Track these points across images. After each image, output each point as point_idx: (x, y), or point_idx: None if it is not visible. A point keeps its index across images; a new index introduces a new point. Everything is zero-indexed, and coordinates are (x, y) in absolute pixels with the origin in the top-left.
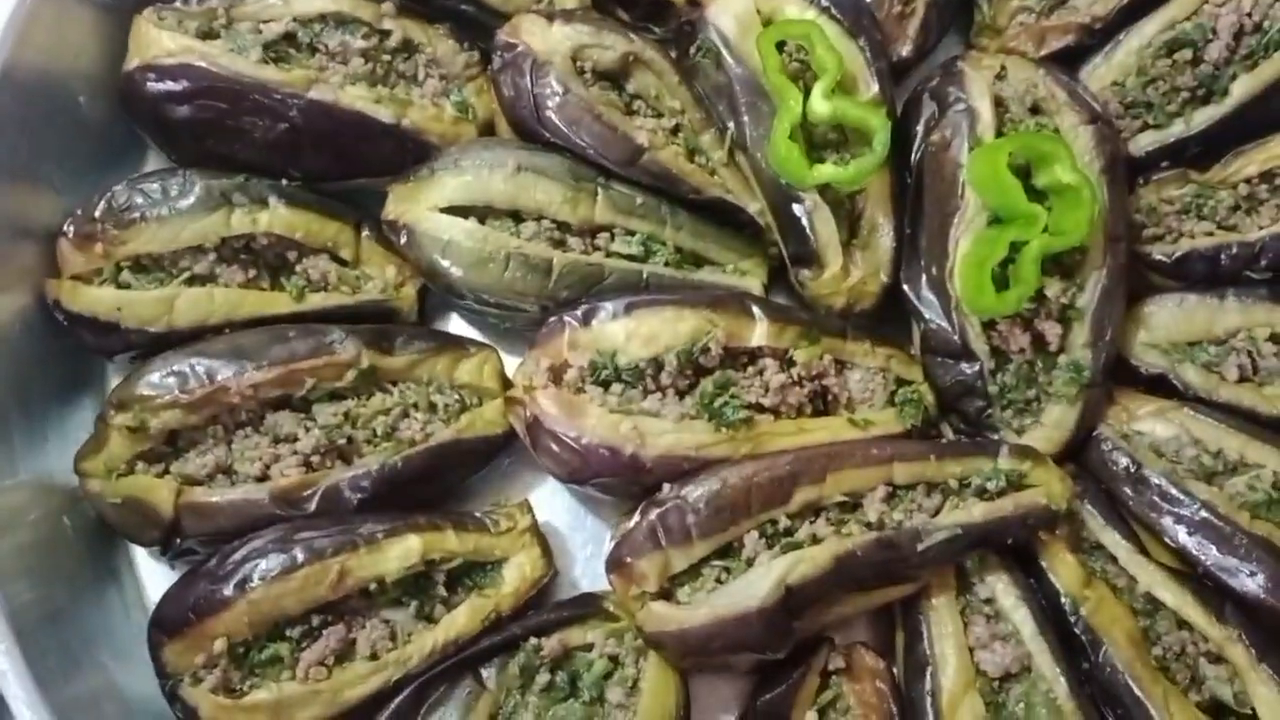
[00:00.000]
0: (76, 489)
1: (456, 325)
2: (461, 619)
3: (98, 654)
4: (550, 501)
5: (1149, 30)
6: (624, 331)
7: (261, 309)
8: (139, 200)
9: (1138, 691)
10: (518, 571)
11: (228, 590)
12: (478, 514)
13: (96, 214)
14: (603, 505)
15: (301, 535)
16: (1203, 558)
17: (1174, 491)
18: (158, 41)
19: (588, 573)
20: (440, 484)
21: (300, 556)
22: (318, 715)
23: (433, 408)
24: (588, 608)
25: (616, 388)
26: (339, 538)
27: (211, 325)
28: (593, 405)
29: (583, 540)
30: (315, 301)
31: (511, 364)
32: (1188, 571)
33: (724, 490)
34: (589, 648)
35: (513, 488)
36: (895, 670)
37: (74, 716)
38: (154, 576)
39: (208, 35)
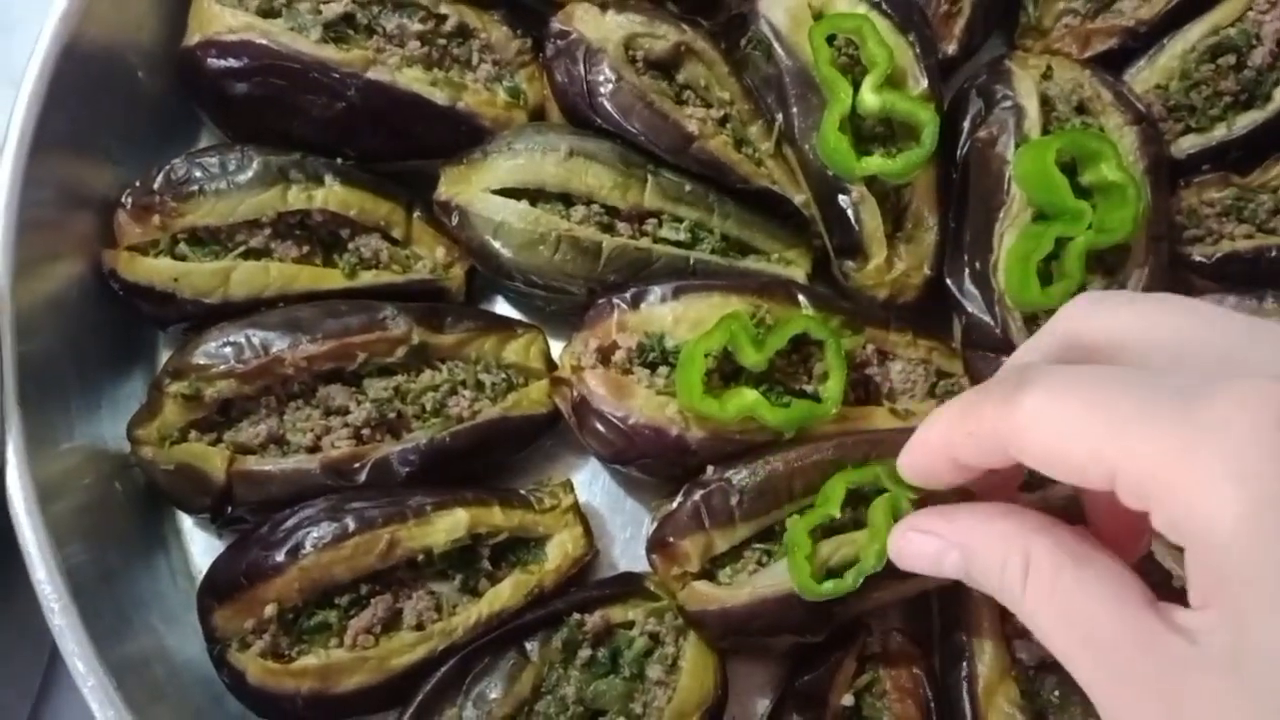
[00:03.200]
0: (127, 455)
1: (502, 307)
2: (505, 593)
3: (148, 616)
4: (590, 483)
5: (1193, 35)
6: (672, 315)
7: (315, 284)
8: (197, 174)
9: None
10: (560, 549)
11: (280, 556)
12: (522, 491)
13: (155, 186)
14: (642, 488)
15: (352, 505)
16: None
17: None
18: (219, 18)
19: (627, 554)
20: (485, 461)
21: (352, 525)
22: (364, 682)
23: (480, 386)
24: (629, 586)
25: (664, 370)
26: (389, 509)
27: (265, 299)
28: (640, 386)
29: (622, 522)
30: (366, 279)
31: (556, 347)
32: None
33: (768, 473)
34: (630, 625)
35: (554, 468)
36: (931, 658)
37: (126, 676)
38: (200, 545)
39: (268, 13)
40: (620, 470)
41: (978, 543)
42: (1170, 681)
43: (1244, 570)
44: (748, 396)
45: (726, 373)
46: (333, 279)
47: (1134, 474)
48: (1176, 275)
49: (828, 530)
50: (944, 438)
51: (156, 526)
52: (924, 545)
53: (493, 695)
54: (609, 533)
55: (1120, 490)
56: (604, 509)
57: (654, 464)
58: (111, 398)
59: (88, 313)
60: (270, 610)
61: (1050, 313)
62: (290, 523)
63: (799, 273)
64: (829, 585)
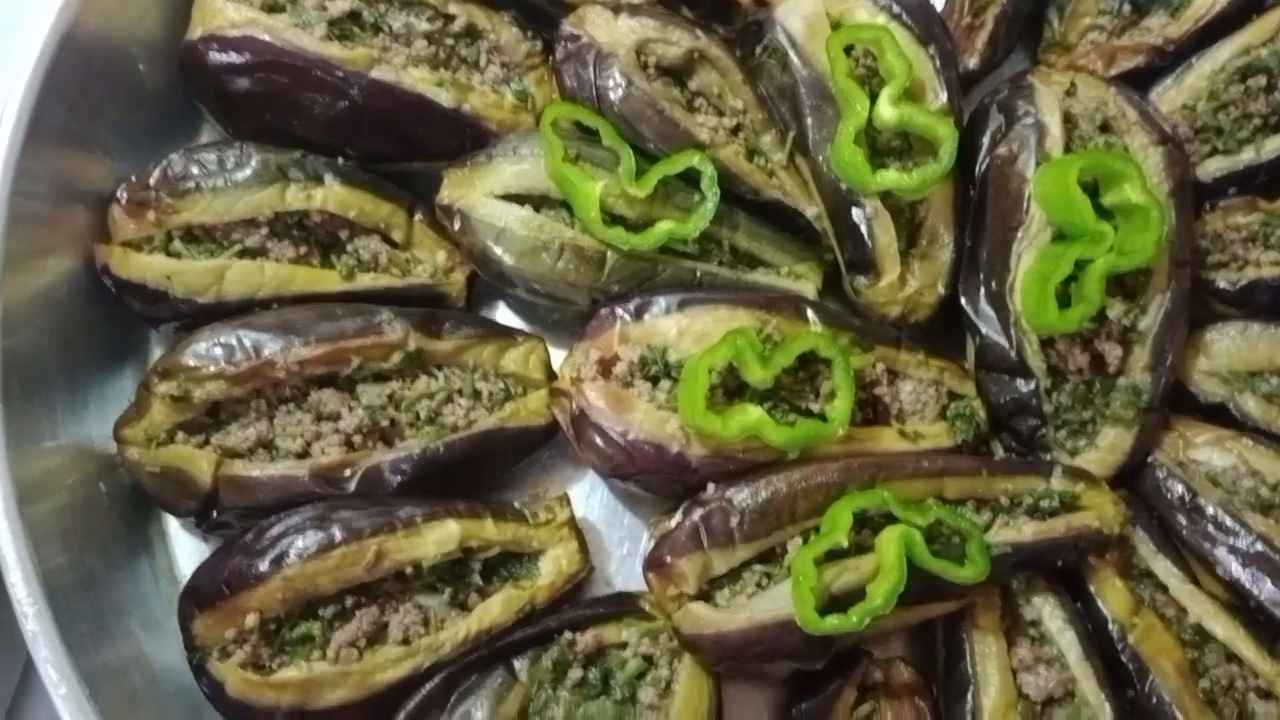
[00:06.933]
0: (114, 456)
1: (504, 315)
2: (495, 609)
3: (128, 623)
4: (588, 497)
5: (1223, 55)
6: (676, 328)
7: (311, 286)
8: (194, 170)
9: None
10: (554, 565)
11: (263, 566)
12: (516, 504)
13: (151, 181)
14: (641, 503)
15: (340, 514)
16: (1256, 591)
17: (1229, 522)
18: (222, 12)
19: (623, 571)
20: (480, 472)
21: (338, 535)
22: (346, 697)
23: (477, 395)
24: (624, 606)
25: (665, 384)
26: (377, 519)
27: (260, 299)
28: (640, 401)
29: (619, 538)
30: (365, 282)
31: (558, 357)
32: (1240, 605)
33: (769, 494)
34: (623, 646)
35: (551, 481)
36: (934, 689)
37: (101, 685)
38: (186, 549)
39: (273, 9)
40: (619, 484)
41: None
42: None
43: None
44: (751, 414)
45: (730, 389)
46: (330, 281)
47: None
48: (1199, 301)
49: (831, 554)
50: None
51: (141, 529)
52: None
53: (478, 716)
54: (605, 549)
55: None
56: (601, 524)
57: (653, 480)
58: (100, 397)
59: (78, 309)
60: (252, 620)
61: (1067, 337)
62: (275, 530)
63: (809, 288)
64: (833, 620)
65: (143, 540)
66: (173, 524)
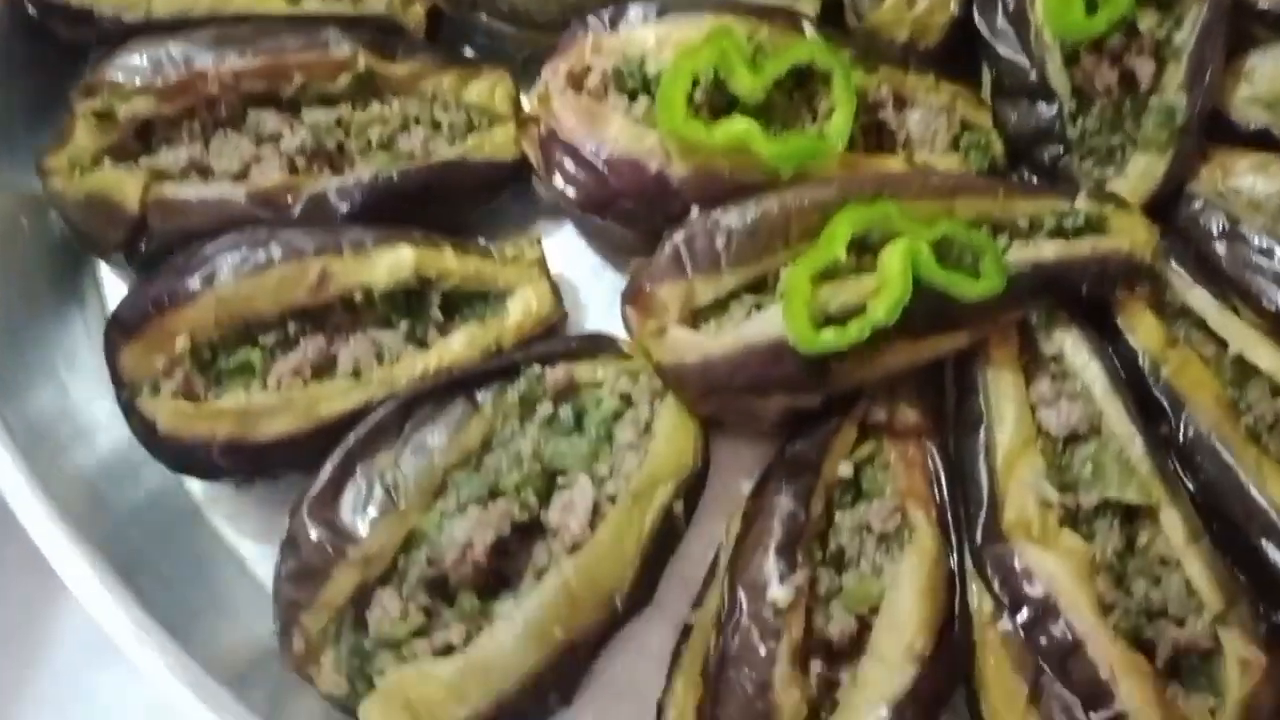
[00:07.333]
0: (40, 196)
1: None
2: (456, 346)
3: (56, 373)
4: (566, 250)
5: None
6: (655, 36)
7: (250, 6)
8: None
9: (1226, 456)
10: (523, 305)
11: (193, 284)
12: (481, 240)
13: None
14: (622, 253)
15: (281, 234)
16: None
17: (1276, 248)
18: None
19: (601, 326)
20: (440, 209)
21: (277, 254)
22: (289, 427)
23: (436, 125)
24: (600, 345)
25: (643, 100)
26: (322, 239)
27: (194, 19)
28: (616, 114)
29: (601, 293)
30: (311, 6)
31: (528, 103)
32: None
33: (760, 213)
34: (598, 385)
35: (523, 235)
36: (944, 432)
37: (26, 436)
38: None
39: None
40: (597, 224)
41: None
42: None
43: None
44: (739, 123)
45: (717, 107)
46: (271, 2)
47: None
48: (1238, 26)
49: (827, 274)
50: None
51: (73, 278)
52: None
53: (435, 442)
54: (583, 304)
55: None
56: (580, 280)
57: (632, 208)
58: (28, 140)
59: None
60: (182, 343)
61: (1094, 46)
62: (208, 249)
63: (807, 6)
64: (829, 335)
65: (74, 289)
66: (107, 276)
